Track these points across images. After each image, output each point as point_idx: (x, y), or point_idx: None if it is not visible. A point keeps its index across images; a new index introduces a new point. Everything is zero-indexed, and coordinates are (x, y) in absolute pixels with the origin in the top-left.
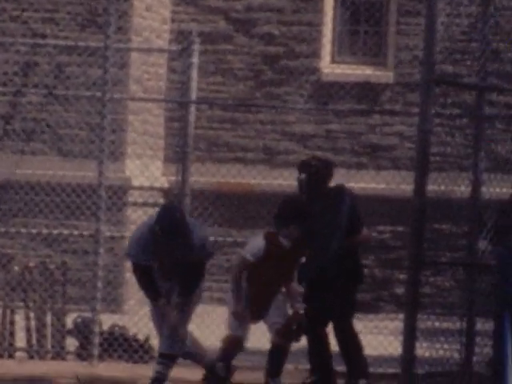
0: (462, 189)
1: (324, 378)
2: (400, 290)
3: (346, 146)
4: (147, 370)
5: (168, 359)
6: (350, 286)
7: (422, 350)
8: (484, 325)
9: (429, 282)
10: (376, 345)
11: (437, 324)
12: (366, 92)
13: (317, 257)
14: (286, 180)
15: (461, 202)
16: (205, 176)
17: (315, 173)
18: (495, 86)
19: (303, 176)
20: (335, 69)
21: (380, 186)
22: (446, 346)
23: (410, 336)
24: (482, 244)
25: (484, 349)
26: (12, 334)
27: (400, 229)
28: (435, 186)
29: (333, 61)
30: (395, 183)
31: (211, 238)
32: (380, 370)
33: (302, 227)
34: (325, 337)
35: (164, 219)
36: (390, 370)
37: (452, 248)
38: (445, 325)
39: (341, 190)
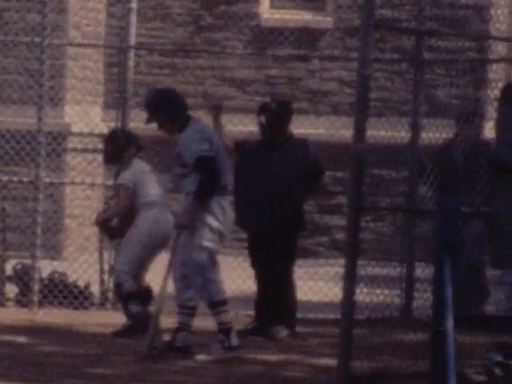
0: (401, 134)
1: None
2: (340, 236)
3: (285, 92)
4: (87, 317)
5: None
6: (292, 232)
7: (363, 295)
8: (424, 271)
9: (369, 228)
10: (316, 290)
11: (377, 270)
12: (306, 37)
13: (270, 206)
14: (226, 126)
15: (400, 147)
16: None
17: (274, 114)
18: (434, 31)
19: (263, 118)
20: (274, 14)
21: (320, 132)
22: (386, 292)
23: (350, 282)
24: (422, 189)
25: (424, 294)
26: None
27: (340, 175)
28: (375, 131)
29: (272, 6)
30: (335, 129)
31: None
32: (320, 316)
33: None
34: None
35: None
36: (331, 316)
37: (392, 194)
38: (385, 271)
39: (304, 143)
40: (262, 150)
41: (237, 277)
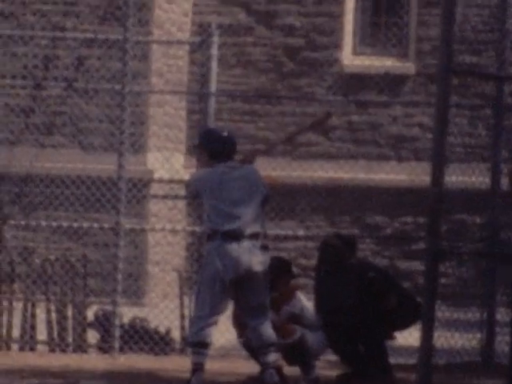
0: (484, 180)
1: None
2: (421, 282)
3: (367, 138)
4: (168, 363)
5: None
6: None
7: (443, 340)
8: (504, 316)
9: (449, 273)
10: (397, 335)
11: (458, 314)
12: (388, 83)
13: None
14: (307, 171)
15: (481, 193)
16: None
17: (335, 253)
18: None
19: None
20: (356, 60)
21: (401, 178)
22: (466, 337)
23: (428, 326)
24: (505, 234)
25: (505, 338)
26: (33, 327)
27: (422, 220)
28: (455, 176)
29: (354, 52)
30: (417, 174)
31: None
32: (400, 361)
33: None
34: None
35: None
36: (411, 361)
37: (474, 239)
38: (466, 315)
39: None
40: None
41: None
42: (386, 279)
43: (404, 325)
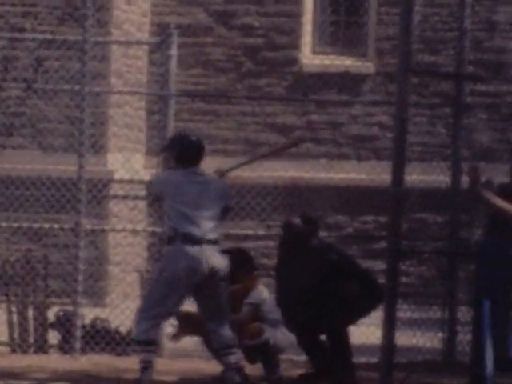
0: (444, 178)
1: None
2: (382, 281)
3: (327, 137)
4: (130, 363)
5: None
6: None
7: (404, 339)
8: (465, 314)
9: (410, 272)
10: (358, 334)
11: (419, 313)
12: (347, 82)
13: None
14: (267, 171)
15: (441, 191)
16: None
17: (296, 233)
18: (471, 75)
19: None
20: (315, 60)
21: (362, 177)
22: (428, 336)
23: (389, 326)
24: (465, 233)
25: (466, 337)
26: None
27: (382, 219)
28: (415, 175)
29: (313, 51)
30: (377, 173)
31: None
32: (362, 360)
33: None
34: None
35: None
36: (373, 360)
37: (434, 237)
38: (427, 314)
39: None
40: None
41: None
42: (347, 262)
43: (365, 311)
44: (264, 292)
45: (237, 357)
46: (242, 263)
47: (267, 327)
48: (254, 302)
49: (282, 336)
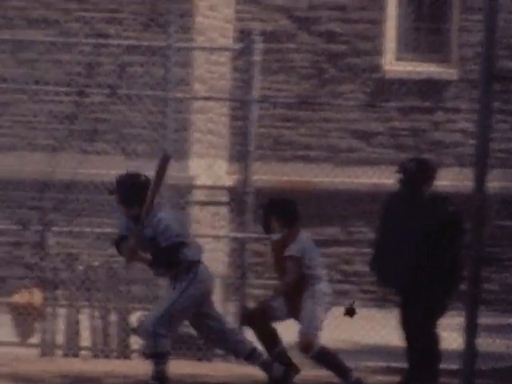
0: None
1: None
2: (464, 287)
3: (409, 144)
4: (211, 368)
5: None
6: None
7: (485, 345)
8: None
9: (493, 279)
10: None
11: (499, 320)
12: (430, 89)
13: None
14: (349, 178)
15: None
16: (268, 174)
17: (410, 175)
18: None
19: (400, 176)
20: (398, 66)
21: (444, 183)
22: (508, 342)
23: (471, 332)
24: None
25: None
26: (77, 333)
27: (464, 226)
28: (499, 182)
29: (396, 58)
30: (459, 180)
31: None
32: (444, 366)
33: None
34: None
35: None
36: (452, 366)
37: None
38: (507, 320)
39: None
40: (402, 206)
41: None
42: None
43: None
44: (305, 242)
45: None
46: (286, 212)
47: (309, 303)
48: (295, 254)
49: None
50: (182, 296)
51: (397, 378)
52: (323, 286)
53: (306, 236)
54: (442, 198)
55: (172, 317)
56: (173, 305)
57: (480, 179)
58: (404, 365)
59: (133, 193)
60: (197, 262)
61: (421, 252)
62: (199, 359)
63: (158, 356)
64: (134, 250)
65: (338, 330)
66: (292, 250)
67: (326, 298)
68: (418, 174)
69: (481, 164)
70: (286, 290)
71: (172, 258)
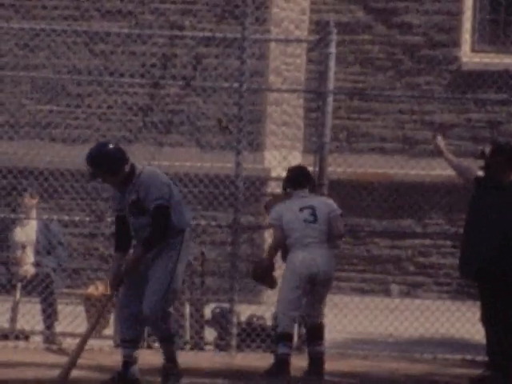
0: None
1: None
2: None
3: (486, 135)
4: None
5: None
6: None
7: None
8: None
9: None
10: None
11: None
12: (507, 80)
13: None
14: (425, 169)
15: None
16: (343, 166)
17: (489, 159)
18: None
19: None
20: (475, 57)
21: None
22: None
23: None
24: None
25: None
26: None
27: None
28: None
29: (473, 49)
30: None
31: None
32: None
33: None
34: None
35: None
36: None
37: None
38: None
39: None
40: (489, 191)
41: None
42: None
43: None
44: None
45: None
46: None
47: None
48: (271, 222)
49: None
50: (177, 268)
51: (473, 371)
52: (296, 255)
53: (292, 200)
54: None
55: (174, 292)
56: (172, 280)
57: None
58: (480, 358)
59: (108, 160)
60: (184, 230)
61: (509, 242)
62: (273, 351)
63: (172, 336)
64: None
65: (417, 323)
66: (269, 217)
67: (298, 269)
68: (496, 157)
69: None
70: (269, 259)
71: (160, 221)
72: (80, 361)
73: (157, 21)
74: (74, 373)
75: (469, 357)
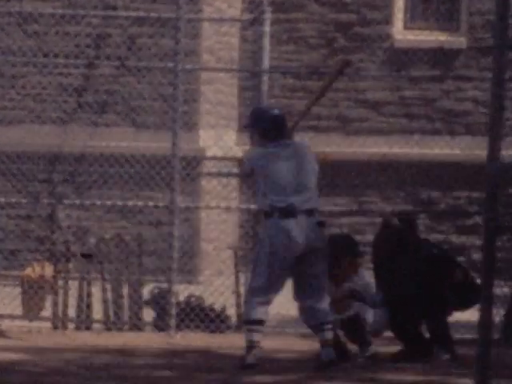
0: None
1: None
2: (477, 256)
3: (419, 112)
4: (224, 340)
5: None
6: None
7: (501, 315)
8: None
9: (505, 248)
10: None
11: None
12: (439, 57)
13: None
14: (361, 147)
15: None
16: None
17: (397, 234)
18: None
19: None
20: (408, 35)
21: (455, 152)
22: None
23: (486, 302)
24: None
25: None
26: (89, 306)
27: (476, 195)
28: (511, 150)
29: (405, 27)
30: (470, 149)
31: None
32: (458, 336)
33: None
34: None
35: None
36: (468, 336)
37: None
38: None
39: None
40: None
41: None
42: (449, 255)
43: (467, 302)
44: (366, 277)
45: (332, 334)
46: (346, 250)
47: (366, 307)
48: (354, 287)
49: (381, 315)
50: None
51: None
52: None
53: None
54: (426, 243)
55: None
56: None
57: (493, 149)
58: None
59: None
60: None
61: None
62: (212, 331)
63: (245, 323)
64: None
65: None
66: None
67: None
68: (401, 230)
69: (495, 133)
70: None
71: None
72: (18, 343)
73: (90, 1)
74: (11, 356)
75: None
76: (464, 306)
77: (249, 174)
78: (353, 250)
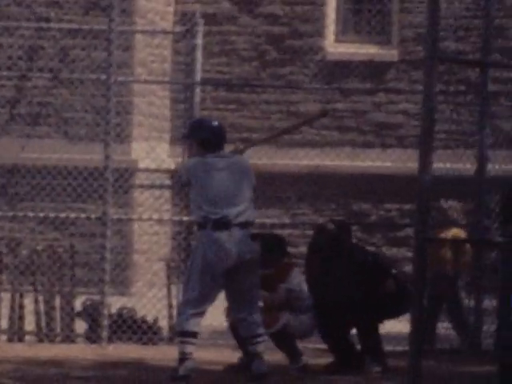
0: (467, 166)
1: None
2: (408, 268)
3: (351, 125)
4: (156, 352)
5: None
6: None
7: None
8: (493, 302)
9: None
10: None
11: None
12: (371, 70)
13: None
14: (293, 160)
15: (467, 179)
16: None
17: (332, 235)
18: (498, 62)
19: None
20: (339, 48)
21: (386, 165)
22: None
23: (417, 313)
24: (488, 222)
25: (492, 326)
26: (21, 317)
27: (407, 207)
28: (441, 163)
29: (337, 40)
30: (401, 161)
31: None
32: (389, 348)
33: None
34: None
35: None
36: (399, 348)
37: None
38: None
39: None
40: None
41: None
42: (383, 263)
43: (398, 311)
44: (299, 278)
45: (264, 346)
46: (275, 248)
47: (288, 314)
48: (292, 288)
49: (308, 321)
50: None
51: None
52: None
53: None
54: (360, 250)
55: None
56: (186, 279)
57: (425, 162)
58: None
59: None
60: None
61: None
62: (144, 343)
63: (177, 335)
64: None
65: None
66: (290, 283)
67: None
68: (335, 235)
69: (425, 146)
70: None
71: None
72: None
73: (23, 13)
74: None
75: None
76: (394, 314)
77: (186, 184)
78: (281, 248)
